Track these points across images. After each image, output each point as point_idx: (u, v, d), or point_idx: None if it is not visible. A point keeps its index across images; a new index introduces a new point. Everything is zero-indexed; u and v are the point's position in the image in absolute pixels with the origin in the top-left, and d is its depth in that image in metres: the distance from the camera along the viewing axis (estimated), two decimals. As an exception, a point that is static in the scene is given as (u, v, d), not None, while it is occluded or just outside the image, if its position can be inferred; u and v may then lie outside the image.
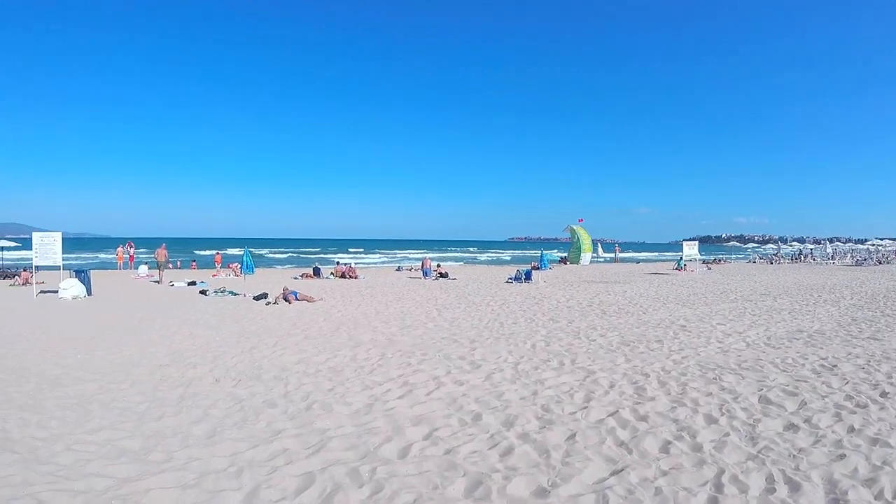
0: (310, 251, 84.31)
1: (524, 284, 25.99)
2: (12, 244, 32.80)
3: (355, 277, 29.76)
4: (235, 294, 20.45)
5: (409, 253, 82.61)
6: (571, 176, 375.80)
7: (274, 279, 27.84)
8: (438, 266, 33.33)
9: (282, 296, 18.26)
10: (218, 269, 35.08)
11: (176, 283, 25.22)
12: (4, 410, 6.80)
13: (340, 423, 6.28)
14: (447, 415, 6.51)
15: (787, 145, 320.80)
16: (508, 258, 74.62)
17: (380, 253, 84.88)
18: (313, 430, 6.04)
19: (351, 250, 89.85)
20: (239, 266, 32.88)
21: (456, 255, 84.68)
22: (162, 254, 26.73)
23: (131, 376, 8.59)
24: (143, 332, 12.38)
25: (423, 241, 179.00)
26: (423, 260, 32.87)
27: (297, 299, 17.95)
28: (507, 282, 27.42)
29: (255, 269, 21.41)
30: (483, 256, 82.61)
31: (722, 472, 4.87)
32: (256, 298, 18.90)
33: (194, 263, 40.43)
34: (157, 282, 25.97)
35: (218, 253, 41.03)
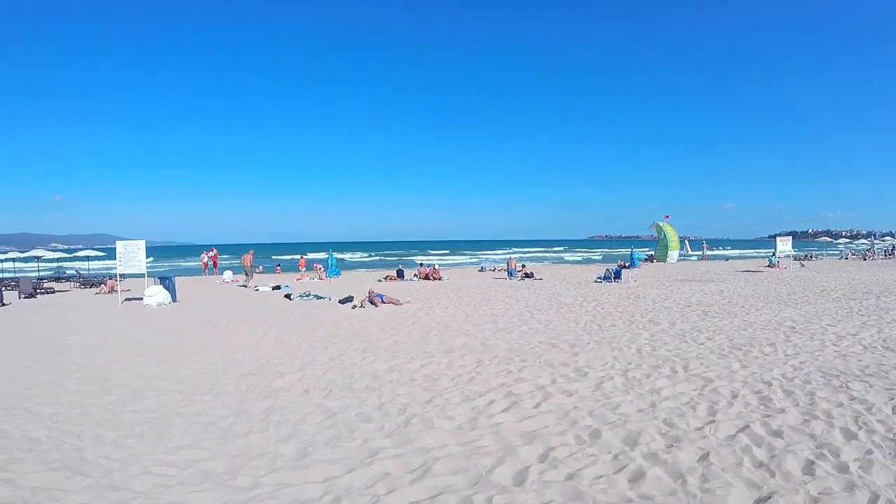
0: (392, 253, 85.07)
1: (614, 284, 24.35)
2: (98, 254, 34.87)
3: (439, 279, 29.22)
4: (321, 298, 20.15)
5: (491, 253, 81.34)
6: (652, 173, 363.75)
7: (358, 282, 27.67)
8: (523, 266, 32.09)
9: (367, 299, 17.70)
10: (302, 272, 35.47)
11: (261, 288, 25.43)
12: (81, 427, 6.27)
13: (444, 440, 5.61)
14: (561, 431, 5.80)
15: (874, 139, 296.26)
16: (599, 257, 71.53)
17: (462, 254, 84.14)
18: (415, 450, 5.38)
19: (432, 252, 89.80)
20: (323, 269, 33.38)
21: (536, 254, 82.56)
22: (248, 259, 27.26)
23: (216, 386, 8.01)
24: (229, 339, 12.00)
25: (504, 241, 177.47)
26: (508, 259, 31.94)
27: (383, 302, 17.34)
28: (595, 281, 25.89)
29: (339, 272, 21.08)
30: (568, 256, 79.64)
31: (876, 497, 4.22)
32: (342, 302, 18.47)
33: (278, 268, 41.42)
34: (244, 286, 26.34)
35: (302, 257, 41.56)
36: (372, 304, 17.27)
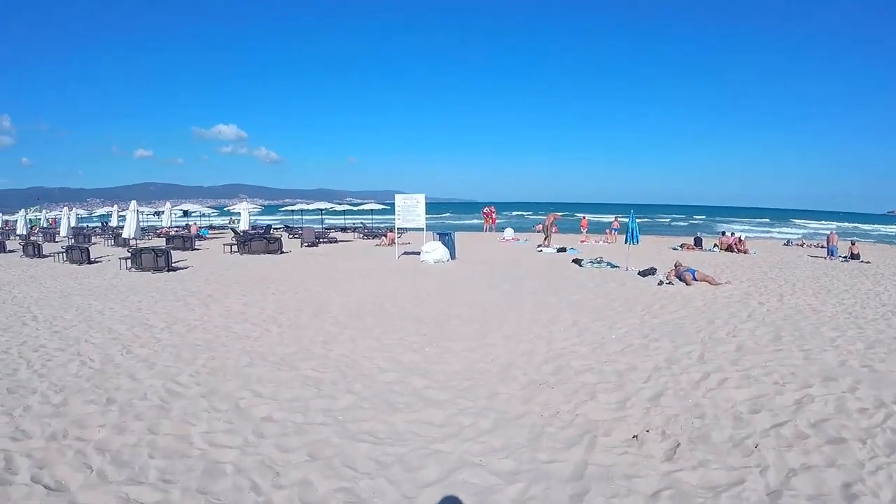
0: (682, 219, 76.74)
1: None
2: (379, 207, 36.88)
3: (745, 251, 24.05)
4: (615, 266, 17.10)
5: (783, 228, 65.92)
6: None
7: (648, 249, 23.89)
8: (852, 244, 24.15)
9: (675, 273, 14.00)
10: (584, 234, 33.02)
11: (544, 249, 23.50)
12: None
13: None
14: None
15: None
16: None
17: (756, 222, 71.82)
18: None
19: (720, 219, 78.72)
20: (612, 232, 30.42)
21: (824, 228, 64.83)
22: (550, 219, 25.79)
23: (496, 400, 5.52)
24: (511, 316, 9.71)
25: (785, 210, 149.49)
26: (828, 234, 24.47)
27: (694, 279, 13.46)
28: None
29: (639, 239, 17.54)
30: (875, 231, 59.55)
31: None
32: (642, 274, 15.06)
33: (555, 228, 39.38)
34: (539, 249, 24.55)
35: (584, 217, 38.99)
36: (681, 280, 13.48)
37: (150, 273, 16.70)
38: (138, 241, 25.96)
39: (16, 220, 36.28)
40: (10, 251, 26.85)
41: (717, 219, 76.14)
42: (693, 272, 13.66)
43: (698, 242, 26.18)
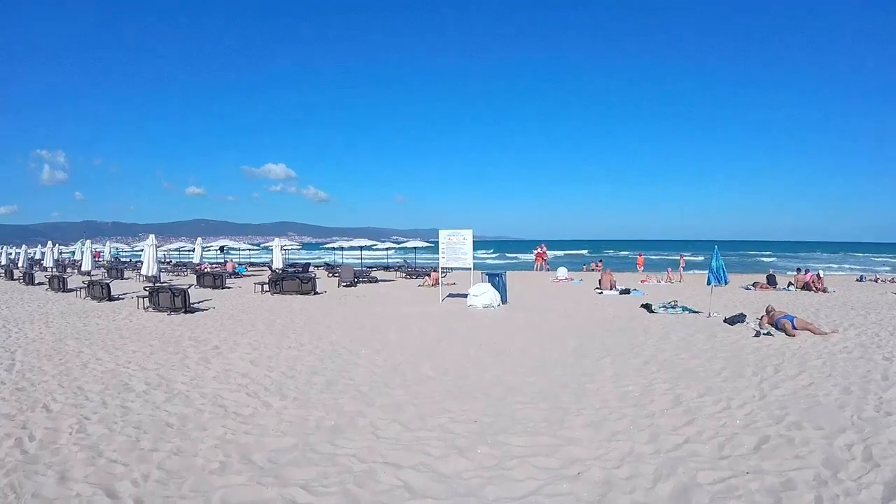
0: (750, 254, 72.11)
1: None
2: (424, 244, 35.09)
3: (823, 290, 21.65)
4: (694, 312, 14.66)
5: (839, 262, 60.27)
6: None
7: (717, 290, 21.04)
8: None
9: (768, 320, 11.54)
10: (641, 271, 30.73)
11: (605, 291, 21.09)
12: None
13: None
14: None
15: None
16: None
17: (821, 257, 66.67)
18: None
19: (786, 254, 73.75)
20: (677, 270, 27.96)
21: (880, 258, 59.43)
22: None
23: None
24: (590, 388, 7.31)
25: (868, 244, 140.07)
26: None
27: (794, 328, 10.95)
28: None
29: (727, 279, 14.65)
30: None
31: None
32: (730, 322, 12.53)
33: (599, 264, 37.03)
34: (600, 291, 22.07)
35: (640, 254, 36.40)
36: (778, 328, 10.99)
37: (165, 314, 15.19)
38: (171, 279, 25.02)
39: (71, 252, 36.26)
40: (39, 283, 26.52)
41: (765, 253, 71.19)
42: (792, 319, 11.15)
43: (772, 281, 23.28)
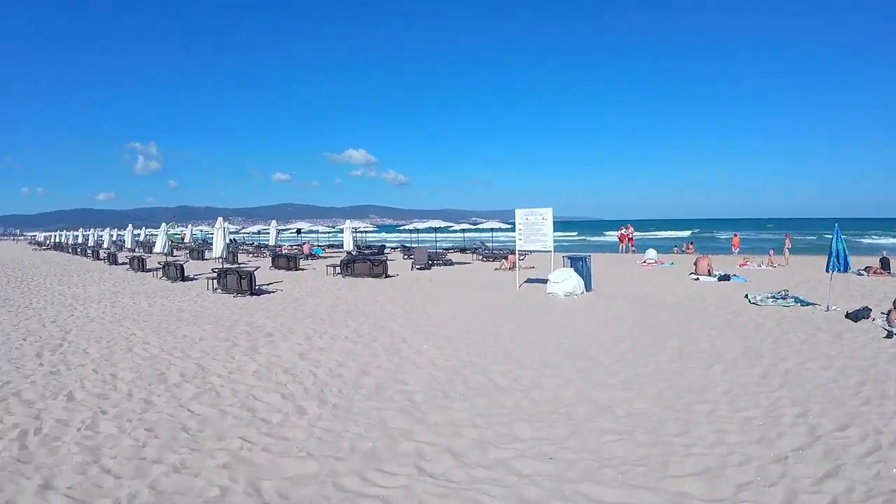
0: (851, 232, 64.00)
1: None
2: (502, 226, 33.46)
3: None
4: (808, 304, 12.57)
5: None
6: None
7: (816, 274, 18.59)
8: None
9: (898, 314, 9.50)
10: (737, 254, 28.03)
11: (701, 278, 18.94)
12: None
13: None
14: None
15: None
16: None
17: None
18: None
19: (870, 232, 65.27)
20: (775, 253, 25.05)
21: None
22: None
23: None
24: (699, 413, 5.86)
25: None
26: None
27: None
28: None
29: (849, 265, 12.29)
30: None
31: None
32: (853, 317, 10.47)
33: (690, 246, 34.39)
34: (696, 277, 19.91)
35: (735, 234, 33.34)
36: None
37: (231, 296, 14.89)
38: (249, 260, 25.26)
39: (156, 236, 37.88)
40: (122, 263, 27.55)
41: (873, 232, 63.31)
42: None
43: (885, 265, 19.93)
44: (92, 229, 54.72)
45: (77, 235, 54.48)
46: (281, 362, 7.71)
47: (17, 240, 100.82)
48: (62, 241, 56.99)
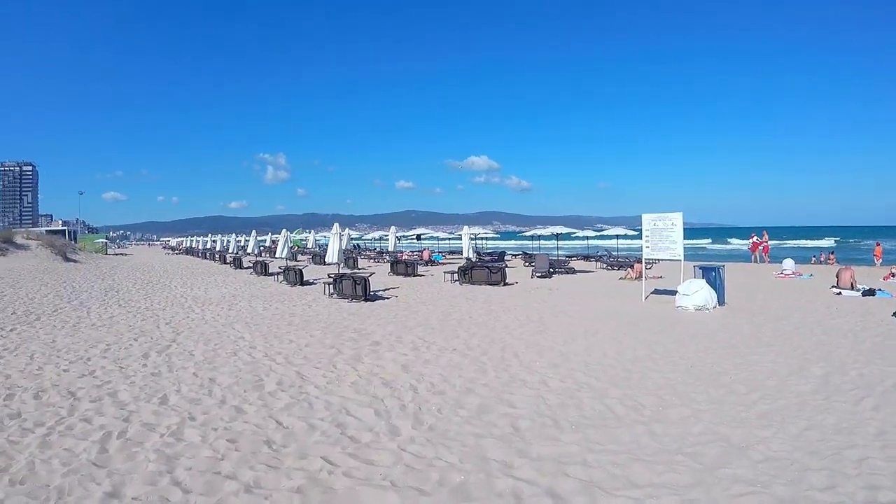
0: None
1: None
2: (628, 232, 31.42)
3: None
4: None
5: None
6: None
7: None
8: None
9: None
10: (877, 264, 25.19)
11: (844, 292, 16.56)
12: None
13: None
14: None
15: None
16: None
17: None
18: None
19: None
20: None
21: None
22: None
23: None
24: (841, 439, 4.70)
25: None
26: None
27: None
28: None
29: None
30: None
31: None
32: None
33: (831, 256, 30.84)
34: (838, 292, 17.47)
35: (878, 243, 29.39)
36: None
37: (346, 301, 14.95)
38: (369, 265, 25.83)
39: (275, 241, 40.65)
40: (246, 267, 29.33)
41: None
42: None
43: None
44: (219, 235, 59.11)
45: (206, 241, 59.33)
46: (382, 373, 7.28)
47: (152, 244, 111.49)
48: (193, 245, 62.25)
